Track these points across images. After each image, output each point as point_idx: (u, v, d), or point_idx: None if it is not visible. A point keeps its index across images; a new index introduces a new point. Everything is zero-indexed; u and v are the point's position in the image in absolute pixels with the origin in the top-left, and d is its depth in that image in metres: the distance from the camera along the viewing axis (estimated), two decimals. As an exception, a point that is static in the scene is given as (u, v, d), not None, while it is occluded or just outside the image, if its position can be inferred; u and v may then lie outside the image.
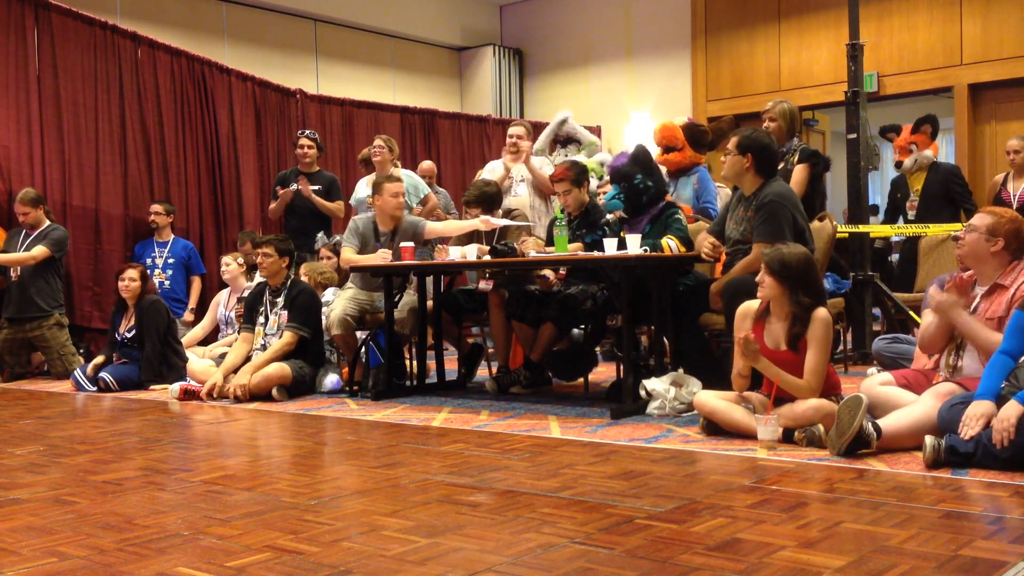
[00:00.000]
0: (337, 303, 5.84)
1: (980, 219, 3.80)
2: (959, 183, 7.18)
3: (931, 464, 3.23)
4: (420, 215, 7.36)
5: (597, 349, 6.33)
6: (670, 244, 4.97)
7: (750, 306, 4.04)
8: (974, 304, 3.77)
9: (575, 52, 12.28)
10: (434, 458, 3.68)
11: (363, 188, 7.28)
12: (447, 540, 2.52)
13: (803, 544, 2.39)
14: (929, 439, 3.27)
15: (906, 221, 7.13)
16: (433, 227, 6.07)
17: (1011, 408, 3.16)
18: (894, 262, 7.61)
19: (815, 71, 10.43)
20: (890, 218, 7.40)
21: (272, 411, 5.19)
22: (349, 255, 5.93)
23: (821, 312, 3.85)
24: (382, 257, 5.66)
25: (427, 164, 8.69)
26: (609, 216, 5.48)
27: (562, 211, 5.58)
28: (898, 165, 7.22)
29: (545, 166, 7.09)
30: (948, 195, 6.99)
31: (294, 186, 7.54)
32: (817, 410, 3.71)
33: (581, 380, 5.67)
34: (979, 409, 3.24)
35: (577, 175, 5.59)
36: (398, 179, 6.15)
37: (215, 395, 5.59)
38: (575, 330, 5.77)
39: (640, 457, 3.60)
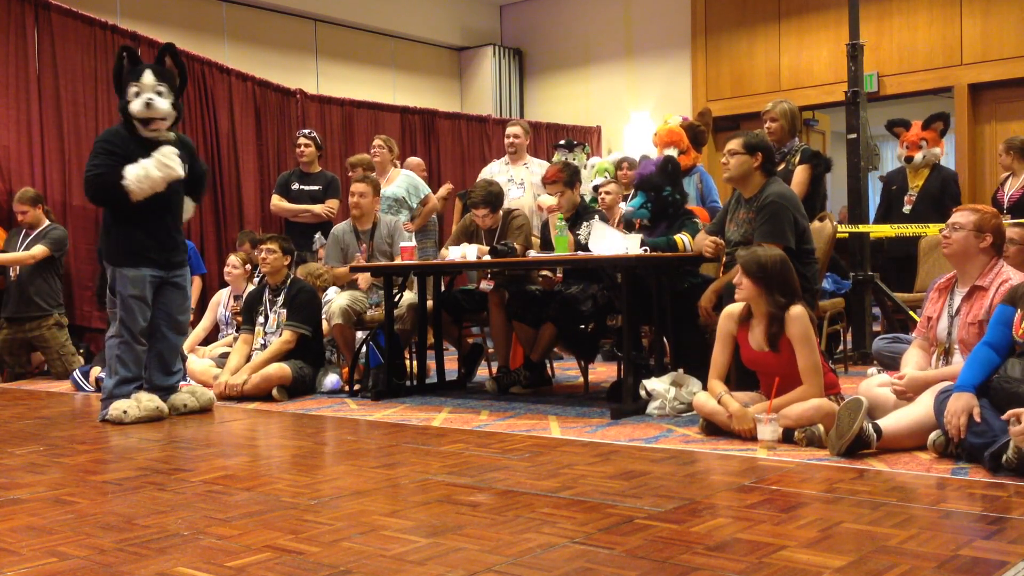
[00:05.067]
0: (339, 296, 5.89)
1: (964, 216, 3.78)
2: (955, 189, 7.19)
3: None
4: (420, 216, 7.40)
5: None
6: (683, 240, 5.01)
7: (733, 309, 4.06)
8: (956, 307, 3.77)
9: (575, 52, 12.28)
10: (434, 458, 3.68)
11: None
12: (447, 540, 2.52)
13: (803, 544, 2.39)
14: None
15: (900, 216, 7.12)
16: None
17: (958, 401, 3.22)
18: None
19: (815, 71, 10.43)
20: (884, 211, 7.39)
21: (272, 411, 5.18)
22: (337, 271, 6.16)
23: (795, 309, 3.85)
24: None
25: (415, 160, 8.60)
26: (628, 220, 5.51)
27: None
28: (908, 160, 7.17)
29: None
30: (943, 198, 7.00)
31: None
32: (817, 410, 3.71)
33: (581, 380, 5.68)
34: (959, 404, 3.24)
35: (569, 176, 5.68)
36: (363, 179, 6.18)
37: (227, 395, 5.57)
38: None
39: (640, 457, 3.60)
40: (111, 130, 5.03)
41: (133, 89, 4.89)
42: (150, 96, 4.87)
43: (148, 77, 4.90)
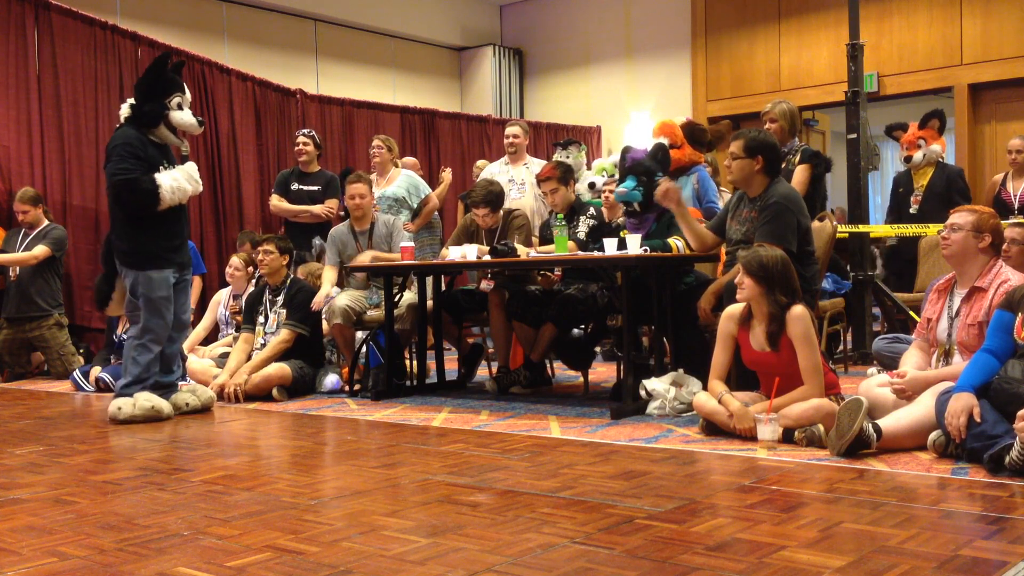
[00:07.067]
0: (339, 296, 5.88)
1: (963, 217, 3.79)
2: (962, 184, 7.18)
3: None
4: (420, 216, 7.40)
5: (597, 348, 6.35)
6: (677, 244, 5.00)
7: (733, 310, 4.06)
8: (955, 308, 3.77)
9: (575, 52, 12.28)
10: (434, 458, 3.68)
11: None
12: (447, 540, 2.52)
13: (803, 544, 2.39)
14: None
15: (908, 216, 7.11)
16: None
17: (958, 401, 3.22)
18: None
19: (815, 71, 10.43)
20: (894, 215, 7.38)
21: (272, 411, 5.18)
22: (329, 273, 6.07)
23: (796, 309, 3.85)
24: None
25: (410, 160, 8.56)
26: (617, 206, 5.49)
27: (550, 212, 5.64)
28: (907, 160, 7.17)
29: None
30: (950, 195, 7.00)
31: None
32: (817, 410, 3.71)
33: (581, 380, 5.67)
34: (959, 404, 3.24)
35: (563, 174, 5.71)
36: (359, 179, 6.16)
37: (226, 396, 5.56)
38: (575, 330, 5.77)
39: (640, 457, 3.60)
40: (129, 134, 5.00)
41: (177, 99, 5.04)
42: (193, 112, 5.11)
43: (188, 93, 5.13)
